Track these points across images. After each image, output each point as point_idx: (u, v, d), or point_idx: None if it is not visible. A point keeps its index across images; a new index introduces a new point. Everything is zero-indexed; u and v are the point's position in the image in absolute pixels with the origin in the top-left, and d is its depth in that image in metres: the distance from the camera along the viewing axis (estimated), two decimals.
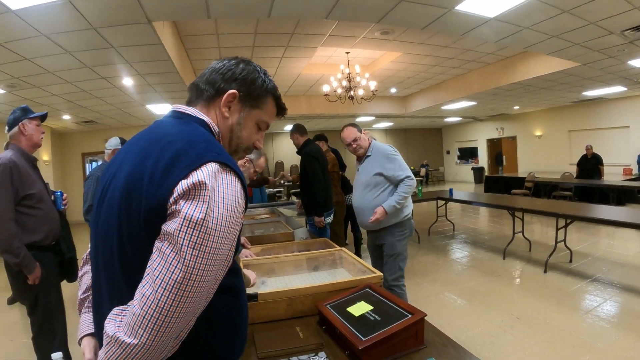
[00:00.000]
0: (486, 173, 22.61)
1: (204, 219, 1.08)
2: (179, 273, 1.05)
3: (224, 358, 1.34)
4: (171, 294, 1.04)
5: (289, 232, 4.33)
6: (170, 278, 1.05)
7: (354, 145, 4.33)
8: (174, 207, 1.10)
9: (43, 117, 3.53)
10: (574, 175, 13.36)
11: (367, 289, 2.28)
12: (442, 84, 13.90)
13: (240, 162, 3.89)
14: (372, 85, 10.30)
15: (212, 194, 1.12)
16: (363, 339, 1.74)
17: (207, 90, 1.41)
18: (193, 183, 1.11)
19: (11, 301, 6.16)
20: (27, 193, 3.21)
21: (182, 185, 1.11)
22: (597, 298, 5.30)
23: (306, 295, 2.27)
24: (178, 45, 7.88)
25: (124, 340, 1.04)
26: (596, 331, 4.41)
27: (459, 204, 13.85)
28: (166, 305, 1.03)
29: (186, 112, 1.39)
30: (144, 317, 1.03)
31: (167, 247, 1.08)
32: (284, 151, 23.93)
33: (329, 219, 5.79)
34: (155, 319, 1.03)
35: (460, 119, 22.99)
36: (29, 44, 6.01)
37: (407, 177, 4.10)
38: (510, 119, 21.45)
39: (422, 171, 25.60)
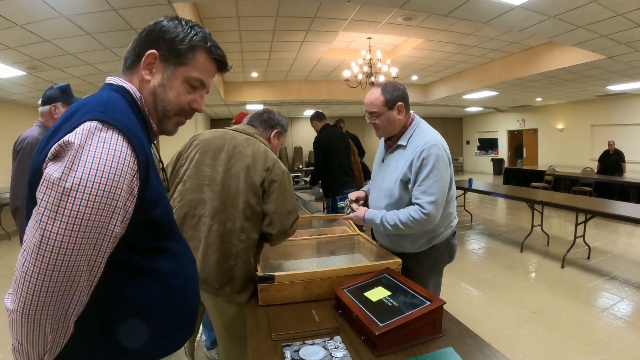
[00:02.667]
0: (506, 165, 22.46)
1: (60, 178, 1.00)
2: (37, 237, 1.00)
3: (134, 352, 1.26)
4: (31, 259, 0.99)
5: (306, 216, 4.32)
6: (30, 242, 1.01)
7: (370, 121, 2.80)
8: (44, 171, 1.05)
9: None
10: (595, 171, 13.20)
11: (385, 274, 2.25)
12: (463, 73, 13.74)
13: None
14: (394, 71, 10.22)
15: (79, 152, 1.02)
16: (380, 324, 1.71)
17: (129, 58, 1.36)
18: (59, 144, 1.04)
19: None
20: None
21: (54, 148, 1.05)
22: (613, 296, 5.23)
23: (323, 279, 2.25)
24: None
25: (6, 307, 1.07)
26: (611, 330, 4.36)
27: (477, 195, 13.78)
28: (29, 270, 0.99)
29: (109, 82, 1.34)
30: (15, 282, 1.02)
31: (34, 212, 1.03)
32: (304, 136, 23.89)
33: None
34: (22, 284, 1.00)
35: (481, 109, 22.78)
36: (49, 25, 6.05)
37: (421, 207, 2.46)
38: (532, 111, 21.19)
39: None
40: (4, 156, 11.46)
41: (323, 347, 1.71)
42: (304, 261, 2.84)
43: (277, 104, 16.17)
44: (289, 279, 2.20)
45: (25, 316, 1.00)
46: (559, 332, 4.33)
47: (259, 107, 16.34)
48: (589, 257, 6.82)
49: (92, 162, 1.02)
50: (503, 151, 24.28)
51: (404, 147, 2.67)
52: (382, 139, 2.94)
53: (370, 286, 2.13)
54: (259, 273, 2.19)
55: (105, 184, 1.03)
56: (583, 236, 6.77)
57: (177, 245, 1.41)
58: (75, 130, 1.05)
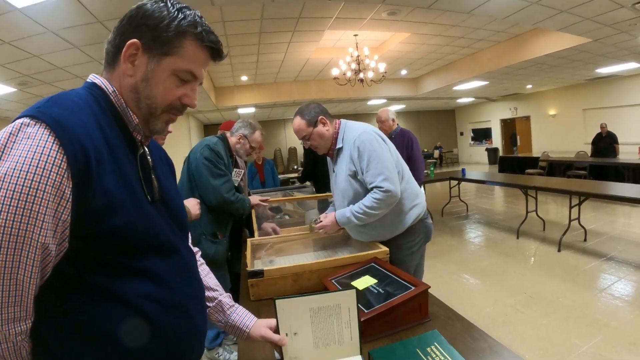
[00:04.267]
0: (500, 154, 22.51)
1: None
2: None
3: None
4: None
5: (300, 213, 4.36)
6: None
7: (307, 145, 2.96)
8: None
9: None
10: (589, 154, 13.23)
11: (373, 264, 2.29)
12: (452, 64, 13.79)
13: (233, 140, 3.84)
14: (382, 67, 10.26)
15: (0, 151, 0.91)
16: (365, 311, 1.74)
17: (110, 50, 1.18)
18: None
19: None
20: None
21: None
22: (611, 277, 5.27)
23: (312, 271, 2.28)
24: None
25: None
26: (610, 309, 4.40)
27: (473, 185, 13.85)
28: None
29: (86, 80, 1.21)
30: None
31: None
32: (296, 137, 23.78)
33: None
34: None
35: (473, 99, 22.86)
36: (36, 41, 6.11)
37: (377, 187, 2.59)
38: (523, 99, 21.25)
39: (436, 153, 25.54)
40: None
41: None
42: (295, 257, 2.89)
43: (268, 106, 16.21)
44: (278, 273, 2.23)
45: None
46: (557, 315, 4.35)
47: (251, 110, 16.44)
48: (585, 240, 6.85)
49: (11, 161, 0.90)
50: (497, 140, 24.32)
51: (341, 148, 2.83)
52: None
53: (358, 275, 2.17)
54: (249, 269, 2.22)
55: (23, 184, 0.89)
56: (578, 219, 6.80)
57: (161, 264, 1.18)
58: (4, 129, 0.95)
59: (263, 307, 2.07)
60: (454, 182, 10.09)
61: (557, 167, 13.44)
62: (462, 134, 28.08)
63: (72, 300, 1.04)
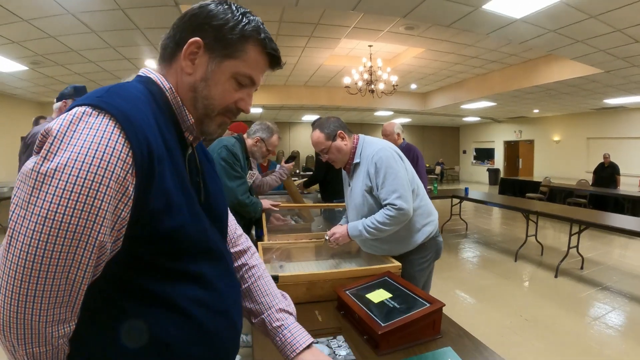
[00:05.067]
0: (502, 175, 22.56)
1: (32, 169, 0.83)
2: (6, 239, 0.85)
3: None
4: (1, 264, 0.85)
5: (307, 221, 4.39)
6: (2, 245, 0.86)
7: (325, 158, 3.00)
8: None
9: None
10: (590, 183, 13.29)
11: (386, 278, 2.32)
12: (462, 83, 13.84)
13: (250, 142, 3.88)
14: (394, 79, 10.33)
15: (58, 140, 0.85)
16: (382, 324, 1.77)
17: (168, 46, 1.14)
18: (41, 133, 0.88)
19: None
20: None
21: (37, 139, 0.88)
22: (606, 306, 5.33)
23: (326, 280, 2.31)
24: None
25: None
26: (604, 339, 4.45)
27: (472, 204, 13.87)
28: None
29: (138, 74, 1.16)
30: None
31: None
32: (301, 140, 23.89)
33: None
34: None
35: (479, 119, 22.94)
36: (55, 21, 6.14)
37: (390, 204, 2.64)
38: (529, 122, 21.37)
39: (438, 169, 25.58)
40: (2, 151, 11.54)
41: (327, 345, 1.78)
42: (304, 263, 2.92)
43: (276, 108, 16.25)
44: (292, 280, 2.26)
45: (1, 333, 0.86)
46: (552, 340, 4.40)
47: (258, 110, 16.47)
48: (582, 268, 6.91)
49: (71, 151, 0.84)
50: (499, 161, 24.44)
51: (359, 164, 2.87)
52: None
53: (372, 288, 2.20)
54: None
55: (86, 177, 0.83)
56: (577, 247, 6.86)
57: (210, 269, 1.16)
58: (61, 116, 0.89)
59: None
60: (455, 200, 10.14)
61: (558, 193, 13.48)
62: (465, 152, 28.18)
63: (119, 303, 1.01)
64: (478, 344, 1.82)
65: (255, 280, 1.47)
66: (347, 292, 2.17)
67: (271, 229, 3.79)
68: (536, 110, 17.93)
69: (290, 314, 1.45)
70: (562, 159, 19.11)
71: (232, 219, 1.52)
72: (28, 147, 3.19)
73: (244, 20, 1.11)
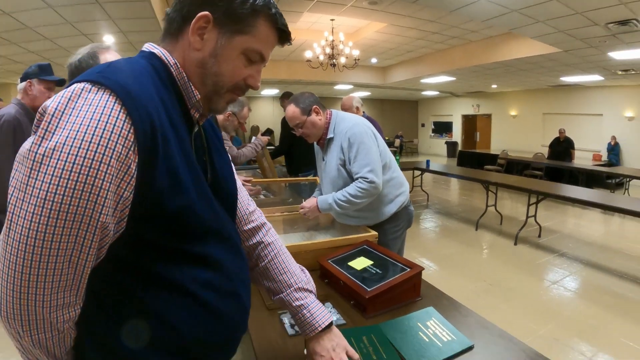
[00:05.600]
0: (459, 148, 22.96)
1: (29, 150, 0.81)
2: (7, 223, 0.83)
3: None
4: (0, 249, 0.84)
5: (276, 195, 4.49)
6: (2, 231, 0.85)
7: (299, 133, 3.02)
8: None
9: (59, 82, 3.33)
10: (546, 157, 13.70)
11: (365, 246, 2.46)
12: (423, 57, 13.97)
13: (222, 117, 3.96)
14: (355, 53, 10.42)
15: (56, 118, 0.82)
16: (368, 289, 1.90)
17: (175, 19, 1.08)
18: (39, 111, 0.85)
19: None
20: None
21: (36, 118, 0.85)
22: (563, 271, 5.66)
23: (307, 251, 2.39)
24: (164, 3, 7.77)
25: None
26: (563, 300, 4.80)
27: (431, 176, 14.13)
28: None
29: (142, 49, 1.12)
30: None
31: None
32: (262, 114, 23.70)
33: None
34: None
35: (438, 93, 23.22)
36: None
37: (362, 177, 2.76)
38: (487, 97, 21.76)
39: (397, 142, 25.82)
40: None
41: None
42: (281, 237, 3.02)
43: None
44: None
45: (4, 319, 0.85)
46: (515, 302, 4.71)
47: None
48: (539, 236, 7.26)
49: (70, 129, 0.81)
50: (457, 135, 24.87)
51: (332, 139, 2.95)
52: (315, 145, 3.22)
53: (353, 257, 2.33)
54: None
55: (85, 156, 0.80)
56: (535, 216, 7.18)
57: (218, 250, 1.14)
58: (58, 94, 0.86)
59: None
60: (417, 173, 10.39)
61: (515, 166, 13.90)
62: (423, 125, 28.49)
63: (128, 286, 1.00)
64: (455, 304, 2.00)
65: (272, 259, 1.45)
66: (329, 261, 2.29)
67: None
68: (494, 86, 18.26)
69: (310, 291, 1.45)
70: (518, 133, 19.58)
71: (244, 194, 1.51)
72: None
73: None
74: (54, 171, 0.79)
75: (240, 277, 1.22)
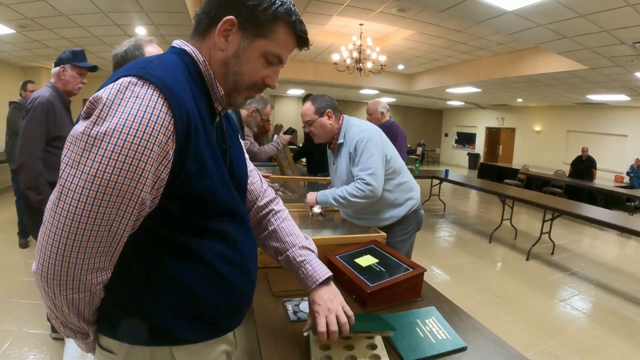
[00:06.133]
0: (481, 160, 22.86)
1: (83, 132, 0.93)
2: (56, 194, 0.95)
3: (174, 332, 1.19)
4: (49, 217, 0.96)
5: (294, 192, 4.54)
6: (51, 200, 0.98)
7: (307, 129, 3.18)
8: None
9: (91, 69, 3.46)
10: (567, 174, 13.54)
11: (372, 246, 2.54)
12: (449, 67, 13.96)
13: (245, 113, 4.12)
14: (382, 59, 10.48)
15: (106, 106, 0.94)
16: (370, 285, 1.98)
17: (203, 20, 1.21)
18: (90, 100, 0.97)
19: (23, 244, 6.27)
20: (57, 134, 3.26)
21: (86, 105, 0.98)
22: (572, 290, 5.62)
23: (317, 246, 2.45)
24: (197, 0, 7.93)
25: (32, 270, 1.04)
26: (568, 318, 4.77)
27: (451, 186, 14.11)
28: (46, 230, 0.97)
29: (172, 45, 1.26)
30: (37, 244, 1.01)
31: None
32: (286, 114, 23.77)
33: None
34: (40, 245, 0.98)
35: (463, 104, 23.11)
36: None
37: (361, 179, 2.87)
38: (511, 111, 21.64)
39: (419, 150, 25.77)
40: None
41: None
42: None
43: None
44: None
45: (44, 280, 0.98)
46: (520, 316, 4.71)
47: None
48: (552, 253, 7.21)
49: (119, 117, 0.92)
50: (480, 146, 24.74)
51: (342, 144, 3.07)
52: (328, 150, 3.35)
53: (360, 254, 2.41)
54: None
55: (132, 142, 0.92)
56: (549, 233, 7.14)
57: (234, 229, 1.29)
58: (108, 86, 0.97)
59: (270, 273, 2.29)
60: (435, 181, 10.37)
61: (535, 182, 13.74)
62: (446, 135, 28.44)
63: (153, 254, 1.14)
64: (455, 308, 2.06)
65: (280, 222, 1.63)
66: (337, 257, 2.38)
67: None
68: (520, 100, 18.17)
69: (312, 250, 1.62)
70: (541, 149, 19.45)
71: (257, 176, 1.69)
72: (28, 112, 3.24)
73: (277, 2, 1.17)
74: (104, 152, 0.91)
75: (251, 254, 1.38)
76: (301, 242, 1.61)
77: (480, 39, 10.10)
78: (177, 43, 1.25)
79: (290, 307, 1.89)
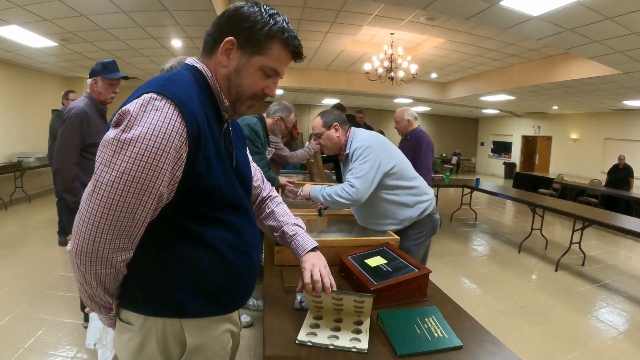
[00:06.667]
0: (517, 169, 22.57)
1: (114, 138, 1.15)
2: (91, 186, 1.18)
3: (185, 308, 1.39)
4: (85, 205, 1.18)
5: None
6: (86, 191, 1.21)
7: (317, 141, 3.46)
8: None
9: (122, 78, 3.69)
10: (603, 184, 13.28)
11: (384, 248, 2.62)
12: (482, 75, 13.86)
13: (271, 121, 4.33)
14: (413, 68, 10.49)
15: (133, 117, 1.16)
16: (375, 283, 2.07)
17: (208, 41, 1.43)
18: (119, 112, 1.19)
19: (62, 242, 6.83)
20: (92, 142, 3.48)
21: (115, 116, 1.20)
22: (600, 302, 5.52)
23: (331, 247, 2.61)
24: None
25: (67, 249, 1.27)
26: (593, 331, 4.68)
27: (486, 196, 13.99)
28: (82, 215, 1.18)
29: (186, 62, 1.47)
30: (73, 226, 1.22)
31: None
32: None
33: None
34: (75, 228, 1.20)
35: (498, 112, 22.85)
36: (87, 1, 6.39)
37: (349, 182, 3.06)
38: (548, 119, 21.34)
39: (454, 159, 25.63)
40: (30, 123, 11.84)
41: None
42: (313, 234, 3.20)
43: (296, 90, 16.38)
44: None
45: (77, 256, 1.21)
46: (542, 327, 4.65)
47: (279, 92, 16.62)
48: (583, 264, 7.07)
49: (143, 126, 1.15)
50: (516, 156, 24.40)
51: (349, 154, 3.24)
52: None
53: (370, 255, 2.50)
54: None
55: (153, 146, 1.14)
56: (579, 243, 6.99)
57: (237, 219, 1.50)
58: (134, 101, 1.19)
59: (285, 270, 2.42)
60: (466, 190, 10.30)
61: (570, 191, 13.50)
62: (482, 144, 28.16)
63: (168, 239, 1.36)
64: (458, 309, 2.10)
65: (277, 205, 1.96)
66: (348, 257, 2.47)
67: (285, 202, 4.07)
68: (555, 107, 17.90)
69: (301, 227, 1.92)
70: (578, 158, 19.10)
71: (260, 174, 2.00)
72: (64, 121, 3.46)
73: (271, 21, 1.37)
74: (131, 154, 1.14)
75: (253, 242, 1.58)
76: (293, 221, 1.92)
77: (511, 46, 10.01)
78: (190, 61, 1.46)
79: (298, 297, 2.03)
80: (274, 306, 2.02)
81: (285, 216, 1.93)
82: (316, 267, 1.74)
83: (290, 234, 1.86)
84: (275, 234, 1.91)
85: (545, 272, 6.69)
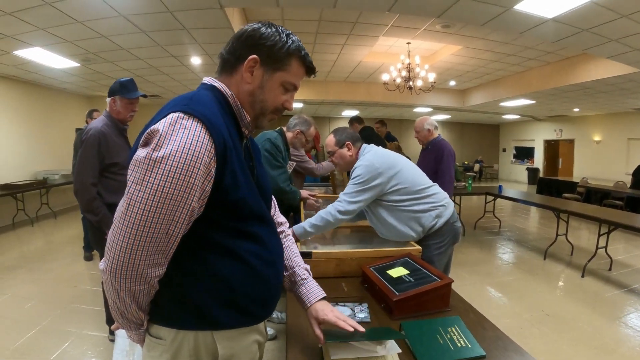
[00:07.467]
0: (541, 174, 22.35)
1: (145, 157, 1.19)
2: (124, 205, 1.22)
3: (214, 318, 1.42)
4: (118, 224, 1.22)
5: None
6: (118, 210, 1.25)
7: (330, 159, 3.56)
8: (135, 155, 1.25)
9: (141, 97, 3.75)
10: (628, 185, 13.05)
11: (407, 258, 2.63)
12: (501, 80, 13.76)
13: (291, 135, 4.42)
14: (431, 77, 10.47)
15: (162, 136, 1.21)
16: (397, 293, 2.08)
17: (229, 60, 1.49)
18: (148, 132, 1.24)
19: (88, 257, 7.06)
20: (112, 162, 3.55)
21: (144, 136, 1.25)
22: (629, 307, 5.39)
23: (353, 258, 2.65)
24: None
25: (100, 268, 1.32)
26: (621, 338, 4.56)
27: (510, 203, 13.84)
28: (116, 234, 1.22)
29: (203, 82, 1.53)
30: (106, 245, 1.26)
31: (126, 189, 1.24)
32: None
33: None
34: (109, 246, 1.24)
35: (519, 117, 22.60)
36: (107, 23, 6.51)
37: (338, 201, 3.09)
38: (569, 121, 21.06)
39: (476, 167, 25.46)
40: (54, 141, 12.08)
41: (351, 308, 2.11)
42: (337, 246, 3.25)
43: (316, 103, 16.42)
44: (324, 257, 2.63)
45: (112, 274, 1.24)
46: (569, 335, 4.56)
47: (299, 105, 16.73)
48: (610, 269, 6.93)
49: (173, 144, 1.19)
50: (539, 161, 24.12)
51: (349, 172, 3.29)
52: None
53: (392, 266, 2.52)
54: (300, 249, 2.55)
55: (184, 163, 1.19)
56: (605, 247, 6.85)
57: (262, 231, 1.54)
58: (161, 120, 1.24)
59: None
60: (489, 198, 10.17)
61: (594, 195, 13.23)
62: (504, 150, 27.83)
63: (199, 252, 1.39)
64: (481, 318, 2.10)
65: (290, 244, 1.94)
66: (371, 268, 2.49)
67: (307, 215, 4.10)
68: (576, 109, 17.67)
69: (310, 273, 1.90)
70: (602, 160, 18.82)
71: (273, 202, 1.96)
72: (83, 143, 3.51)
73: (289, 41, 1.46)
74: (163, 172, 1.18)
75: (278, 251, 1.66)
76: (304, 265, 1.91)
77: (529, 50, 9.95)
78: (207, 80, 1.52)
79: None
80: (297, 318, 2.02)
81: (297, 257, 1.93)
82: (335, 312, 1.73)
83: (303, 277, 1.86)
84: (286, 273, 1.87)
85: (572, 278, 6.59)
